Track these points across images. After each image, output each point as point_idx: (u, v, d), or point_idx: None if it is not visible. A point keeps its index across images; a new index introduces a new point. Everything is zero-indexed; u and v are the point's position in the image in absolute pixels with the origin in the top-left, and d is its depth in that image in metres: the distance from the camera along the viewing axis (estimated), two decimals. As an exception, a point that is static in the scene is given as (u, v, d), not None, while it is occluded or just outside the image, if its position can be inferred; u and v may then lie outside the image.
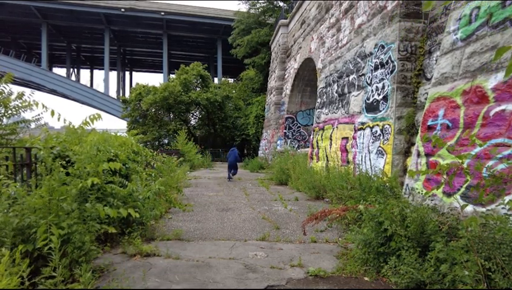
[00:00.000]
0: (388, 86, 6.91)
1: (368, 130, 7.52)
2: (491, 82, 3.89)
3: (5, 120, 4.98)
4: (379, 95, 7.28)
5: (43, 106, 4.31)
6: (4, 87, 4.86)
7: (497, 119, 3.73)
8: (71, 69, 45.70)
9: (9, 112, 4.93)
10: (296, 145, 17.31)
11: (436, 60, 5.56)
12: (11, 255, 2.50)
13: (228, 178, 13.15)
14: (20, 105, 4.93)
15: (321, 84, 11.61)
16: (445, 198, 4.17)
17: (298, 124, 17.89)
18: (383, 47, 7.28)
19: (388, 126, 6.76)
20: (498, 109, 3.74)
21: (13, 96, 4.97)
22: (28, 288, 2.62)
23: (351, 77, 8.91)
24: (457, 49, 4.61)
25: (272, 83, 21.48)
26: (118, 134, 7.04)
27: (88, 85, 45.01)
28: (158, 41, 43.13)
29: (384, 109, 7.02)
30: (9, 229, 2.82)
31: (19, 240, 2.88)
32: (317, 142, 11.00)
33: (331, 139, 9.72)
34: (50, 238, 2.76)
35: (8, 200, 3.11)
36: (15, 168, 3.90)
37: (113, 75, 44.75)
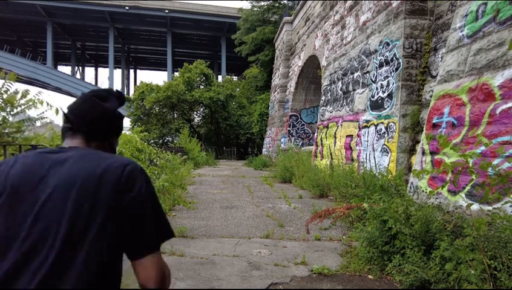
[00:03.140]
0: (393, 84, 6.87)
1: (372, 128, 7.48)
2: (497, 79, 3.85)
3: (10, 118, 5.02)
4: (383, 92, 7.23)
5: (47, 103, 4.35)
6: (9, 86, 4.89)
7: (503, 117, 3.69)
8: (76, 67, 45.95)
9: (15, 110, 4.97)
10: (300, 143, 17.27)
11: (442, 57, 5.51)
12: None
13: None
14: (25, 103, 4.96)
15: (325, 82, 11.56)
16: (450, 196, 4.14)
17: (302, 122, 17.83)
18: (388, 44, 7.23)
19: (392, 124, 6.72)
20: (505, 106, 3.69)
21: (18, 95, 5.01)
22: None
23: (355, 75, 8.86)
24: (463, 46, 4.56)
25: (276, 80, 21.43)
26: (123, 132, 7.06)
27: (93, 83, 45.22)
28: (162, 39, 43.19)
29: (388, 106, 6.97)
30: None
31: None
32: (321, 140, 10.97)
33: (335, 137, 9.69)
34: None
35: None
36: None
37: (118, 73, 44.94)
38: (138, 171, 0.93)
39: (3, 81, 4.88)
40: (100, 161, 0.91)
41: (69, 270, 0.79)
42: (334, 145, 9.62)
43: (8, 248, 0.81)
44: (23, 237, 0.81)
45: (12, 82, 4.93)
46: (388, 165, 6.65)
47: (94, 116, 1.02)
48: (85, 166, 0.89)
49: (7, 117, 4.99)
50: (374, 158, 7.21)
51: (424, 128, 5.19)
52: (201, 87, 27.18)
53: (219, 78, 40.26)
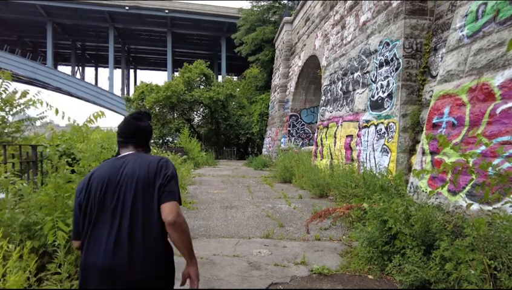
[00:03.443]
0: (393, 84, 6.87)
1: (372, 128, 7.48)
2: (497, 79, 3.85)
3: (10, 118, 5.01)
4: (383, 92, 7.23)
5: (47, 104, 4.34)
6: (7, 85, 4.87)
7: (503, 117, 3.69)
8: (76, 67, 45.93)
9: (14, 110, 4.96)
10: (300, 143, 17.26)
11: (442, 57, 5.51)
12: (19, 251, 2.53)
13: None
14: (25, 103, 4.95)
15: (325, 82, 11.56)
16: (450, 196, 4.14)
17: (302, 122, 17.82)
18: (388, 44, 7.23)
19: (393, 124, 6.72)
20: (505, 106, 3.69)
21: (17, 95, 4.99)
22: (33, 288, 2.64)
23: (355, 74, 8.86)
24: (463, 46, 4.56)
25: (276, 80, 21.43)
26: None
27: (93, 83, 45.19)
28: (162, 39, 43.17)
29: (388, 106, 6.97)
30: (16, 225, 2.85)
31: (26, 236, 2.91)
32: (321, 140, 10.97)
33: (335, 137, 9.69)
34: (57, 234, 2.78)
35: (14, 197, 3.14)
36: (21, 166, 3.94)
37: (118, 73, 44.89)
38: (165, 161, 1.63)
39: (0, 80, 4.86)
40: (145, 160, 1.61)
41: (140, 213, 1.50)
42: (334, 145, 9.62)
43: (100, 224, 1.48)
44: (111, 216, 1.49)
45: (9, 81, 4.91)
46: (388, 165, 6.65)
47: (136, 133, 1.71)
48: (138, 165, 1.58)
49: (6, 117, 4.99)
50: (374, 158, 7.21)
51: (424, 128, 5.19)
52: (201, 87, 27.15)
53: (220, 78, 40.22)
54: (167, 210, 1.48)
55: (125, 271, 1.40)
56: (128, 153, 1.68)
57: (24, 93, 4.99)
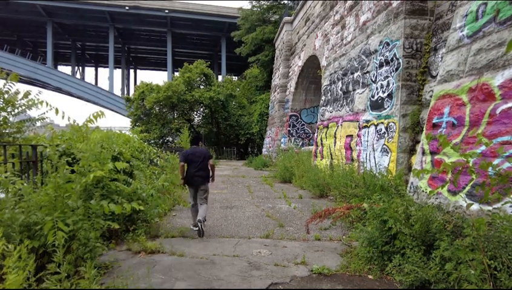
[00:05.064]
0: (393, 84, 6.86)
1: (372, 128, 7.48)
2: (497, 79, 3.84)
3: (11, 118, 5.01)
4: (383, 92, 7.23)
5: (47, 103, 4.35)
6: (10, 86, 4.88)
7: (503, 117, 3.69)
8: (76, 67, 45.89)
9: (16, 110, 4.96)
10: (300, 143, 17.26)
11: (442, 57, 5.51)
12: (18, 251, 2.53)
13: None
14: (26, 104, 4.96)
15: (325, 82, 11.56)
16: (450, 196, 4.14)
17: (302, 122, 17.82)
18: (388, 44, 7.23)
19: (393, 124, 6.72)
20: (505, 106, 3.69)
21: (19, 96, 5.00)
22: (32, 288, 2.64)
23: (355, 75, 8.86)
24: (464, 46, 4.56)
25: (276, 80, 21.42)
26: (122, 132, 7.06)
27: (93, 83, 45.16)
28: (162, 39, 43.16)
29: (388, 106, 6.97)
30: (16, 225, 2.85)
31: (25, 236, 2.91)
32: (321, 140, 10.97)
33: (335, 137, 9.69)
34: (57, 234, 2.78)
35: (14, 197, 3.14)
36: (21, 166, 3.94)
37: (118, 73, 44.85)
38: (209, 153, 5.55)
39: (4, 81, 4.88)
40: (205, 151, 5.49)
41: (204, 167, 5.41)
42: (335, 145, 9.62)
43: (194, 164, 5.25)
44: (197, 163, 5.27)
45: (14, 82, 4.92)
46: (388, 165, 6.65)
47: (199, 140, 5.79)
48: (202, 151, 5.42)
49: (8, 117, 4.99)
50: (374, 158, 7.21)
51: (424, 128, 5.19)
52: (201, 87, 27.10)
53: (220, 78, 40.19)
54: (211, 162, 5.40)
55: (200, 174, 5.20)
56: (196, 146, 5.50)
57: (26, 94, 4.99)
